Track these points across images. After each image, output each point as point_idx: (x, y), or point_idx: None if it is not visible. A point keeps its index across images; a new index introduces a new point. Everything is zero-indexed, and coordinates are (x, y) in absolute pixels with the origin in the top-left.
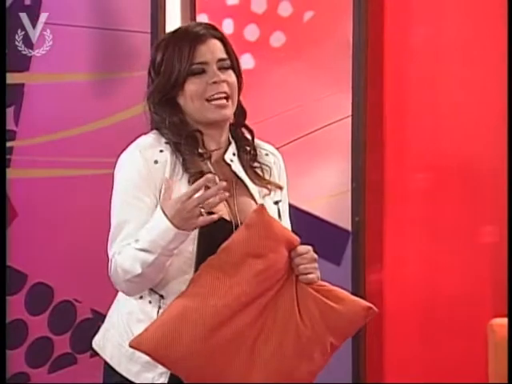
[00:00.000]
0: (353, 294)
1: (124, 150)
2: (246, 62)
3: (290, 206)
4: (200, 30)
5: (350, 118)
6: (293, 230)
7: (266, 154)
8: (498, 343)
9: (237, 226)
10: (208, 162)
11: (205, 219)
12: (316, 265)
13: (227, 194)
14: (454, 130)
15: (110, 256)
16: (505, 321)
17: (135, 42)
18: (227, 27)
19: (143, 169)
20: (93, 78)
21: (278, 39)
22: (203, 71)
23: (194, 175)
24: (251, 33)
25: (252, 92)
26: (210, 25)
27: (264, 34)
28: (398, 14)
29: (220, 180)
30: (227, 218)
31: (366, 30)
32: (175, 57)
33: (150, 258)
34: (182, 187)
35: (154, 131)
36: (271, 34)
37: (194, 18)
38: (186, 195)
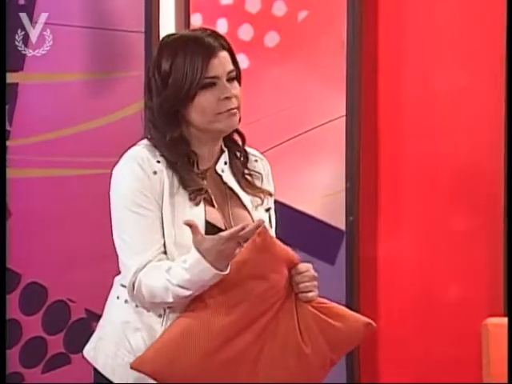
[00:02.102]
0: (346, 293)
1: (117, 149)
2: (240, 61)
3: (285, 205)
4: (212, 42)
5: (344, 118)
6: (284, 231)
7: (256, 161)
8: (491, 343)
9: None
10: (204, 181)
11: (240, 249)
12: (316, 283)
13: (262, 227)
14: (449, 130)
15: (129, 272)
16: (499, 320)
17: (129, 42)
18: (221, 27)
19: (144, 179)
20: (87, 78)
21: (272, 39)
22: (214, 84)
23: (194, 192)
24: (245, 32)
25: (246, 92)
26: (217, 34)
27: (258, 33)
28: (392, 14)
29: (211, 191)
30: (223, 229)
31: (361, 29)
32: (187, 68)
33: (186, 293)
34: (179, 200)
35: (146, 141)
36: (265, 34)
37: (188, 18)
38: (225, 239)
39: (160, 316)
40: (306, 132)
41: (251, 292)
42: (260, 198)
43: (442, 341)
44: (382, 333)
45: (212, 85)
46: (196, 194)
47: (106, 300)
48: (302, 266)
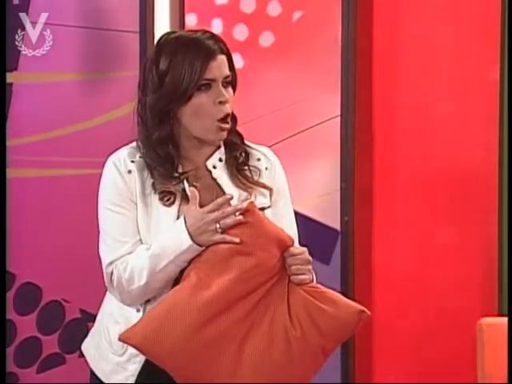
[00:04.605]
0: (342, 293)
1: (112, 149)
2: (235, 61)
3: None
4: (212, 45)
5: (339, 118)
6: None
7: (258, 159)
8: (486, 343)
9: None
10: (185, 181)
11: (222, 237)
12: (310, 267)
13: (241, 217)
14: (444, 130)
15: (105, 267)
16: (493, 320)
17: (124, 42)
18: (216, 27)
19: (119, 180)
20: (81, 78)
21: (266, 39)
22: (209, 87)
23: (162, 193)
24: (240, 32)
25: (241, 92)
26: (217, 37)
27: (253, 33)
28: (386, 14)
29: (197, 187)
30: None
31: (355, 29)
32: (185, 68)
33: (160, 264)
34: (154, 199)
35: (134, 144)
36: (260, 34)
37: (182, 18)
38: (208, 208)
39: (138, 311)
40: (300, 132)
41: (237, 267)
42: (248, 191)
43: (437, 341)
44: (376, 332)
45: (208, 87)
46: (163, 196)
47: (100, 300)
48: (296, 249)
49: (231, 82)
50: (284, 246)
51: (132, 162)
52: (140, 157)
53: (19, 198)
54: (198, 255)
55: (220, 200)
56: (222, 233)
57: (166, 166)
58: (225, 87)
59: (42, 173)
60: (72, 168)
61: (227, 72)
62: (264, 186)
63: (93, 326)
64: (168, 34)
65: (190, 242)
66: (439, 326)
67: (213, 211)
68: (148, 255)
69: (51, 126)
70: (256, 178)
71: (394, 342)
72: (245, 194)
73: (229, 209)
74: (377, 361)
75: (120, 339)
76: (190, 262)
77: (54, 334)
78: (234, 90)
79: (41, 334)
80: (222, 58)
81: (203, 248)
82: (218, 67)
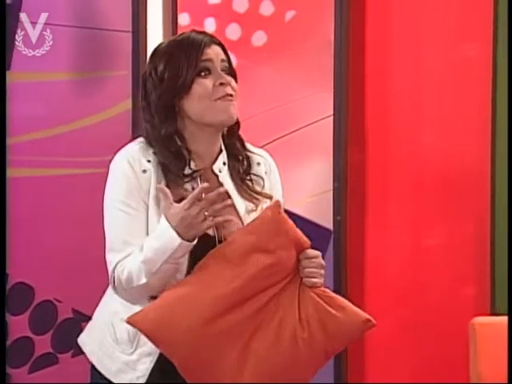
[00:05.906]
0: (334, 292)
1: (106, 148)
2: None
3: None
4: (204, 38)
5: (331, 118)
6: None
7: (258, 164)
8: (478, 342)
9: (220, 241)
10: (198, 179)
11: (210, 223)
12: (323, 271)
13: (229, 201)
14: (437, 129)
15: (110, 267)
16: (485, 319)
17: (117, 41)
18: (209, 26)
19: (133, 178)
20: (75, 77)
21: (259, 38)
22: (209, 72)
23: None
24: (233, 32)
25: None
26: (210, 34)
27: (246, 33)
28: (379, 13)
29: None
30: (210, 232)
31: (348, 29)
32: (182, 60)
33: (155, 266)
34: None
35: (142, 139)
36: (253, 34)
37: (175, 18)
38: (187, 203)
39: None
40: (293, 132)
41: (254, 265)
42: (253, 203)
43: (429, 341)
44: (369, 333)
45: (207, 72)
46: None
47: (93, 299)
48: (312, 252)
49: (229, 69)
50: (301, 247)
51: (148, 161)
52: (153, 152)
53: (11, 197)
54: (218, 247)
55: (194, 193)
56: (214, 218)
57: (178, 161)
58: (225, 73)
59: (36, 172)
60: (67, 168)
61: (223, 56)
62: (266, 196)
63: (86, 325)
64: (161, 43)
65: (179, 240)
66: (431, 325)
67: (191, 205)
68: (141, 259)
69: (45, 125)
70: (259, 188)
71: (386, 342)
72: (251, 205)
73: (211, 194)
74: (369, 361)
75: (127, 322)
76: (205, 253)
77: (46, 334)
78: (236, 81)
79: (33, 333)
80: (217, 47)
81: (195, 242)
82: (214, 52)
